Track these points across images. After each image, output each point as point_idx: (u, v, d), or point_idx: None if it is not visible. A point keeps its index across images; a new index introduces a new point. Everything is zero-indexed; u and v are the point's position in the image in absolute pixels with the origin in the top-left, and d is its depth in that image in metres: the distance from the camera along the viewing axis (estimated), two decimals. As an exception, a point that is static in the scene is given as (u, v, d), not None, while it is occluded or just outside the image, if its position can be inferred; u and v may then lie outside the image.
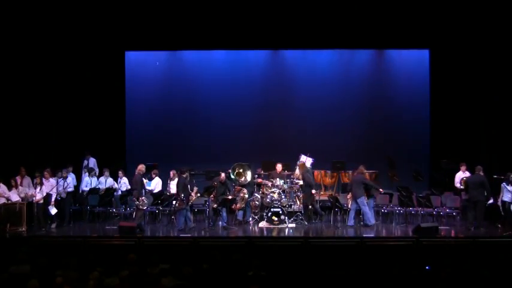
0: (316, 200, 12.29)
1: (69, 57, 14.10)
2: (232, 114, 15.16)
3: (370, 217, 11.56)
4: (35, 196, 11.69)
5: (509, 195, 11.14)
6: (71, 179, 12.60)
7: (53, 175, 12.12)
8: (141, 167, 11.70)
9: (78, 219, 12.64)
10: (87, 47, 14.10)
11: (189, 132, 15.26)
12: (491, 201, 11.62)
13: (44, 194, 11.73)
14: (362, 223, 11.69)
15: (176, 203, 11.68)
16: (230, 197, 11.72)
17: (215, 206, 11.64)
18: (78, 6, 13.12)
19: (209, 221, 11.71)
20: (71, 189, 12.43)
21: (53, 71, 13.95)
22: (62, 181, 12.15)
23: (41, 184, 11.73)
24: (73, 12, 13.25)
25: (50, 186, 11.88)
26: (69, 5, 13.06)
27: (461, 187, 12.01)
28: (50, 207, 11.82)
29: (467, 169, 12.22)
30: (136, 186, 11.58)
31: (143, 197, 11.41)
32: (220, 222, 11.63)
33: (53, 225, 11.87)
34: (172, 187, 12.53)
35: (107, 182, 13.18)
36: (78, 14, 13.30)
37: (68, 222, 12.16)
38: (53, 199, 11.86)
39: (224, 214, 11.59)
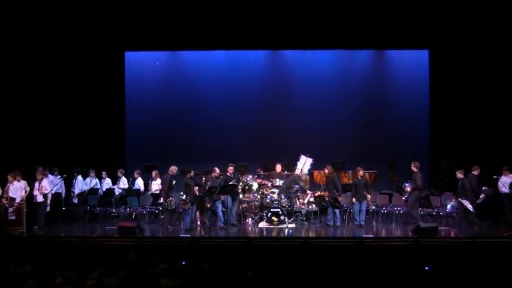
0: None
1: (69, 57, 14.10)
2: (232, 114, 15.16)
3: None
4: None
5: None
6: (47, 181, 11.66)
7: (24, 177, 11.44)
8: (173, 168, 11.75)
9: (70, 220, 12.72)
10: (86, 47, 14.10)
11: (189, 132, 15.24)
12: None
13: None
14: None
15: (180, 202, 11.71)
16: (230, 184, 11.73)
17: (209, 205, 11.63)
18: (77, 6, 13.11)
19: (209, 221, 11.75)
20: (47, 191, 11.48)
21: (53, 70, 13.95)
22: (37, 184, 11.37)
23: None
24: (73, 12, 13.24)
25: (13, 189, 11.23)
26: (69, 5, 13.06)
27: (506, 191, 11.45)
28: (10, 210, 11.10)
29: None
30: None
31: (171, 198, 11.43)
32: (218, 223, 11.64)
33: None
34: (154, 187, 12.72)
35: (91, 182, 13.12)
36: (78, 14, 13.30)
37: (42, 227, 11.28)
38: (16, 202, 11.20)
39: (220, 214, 11.60)
